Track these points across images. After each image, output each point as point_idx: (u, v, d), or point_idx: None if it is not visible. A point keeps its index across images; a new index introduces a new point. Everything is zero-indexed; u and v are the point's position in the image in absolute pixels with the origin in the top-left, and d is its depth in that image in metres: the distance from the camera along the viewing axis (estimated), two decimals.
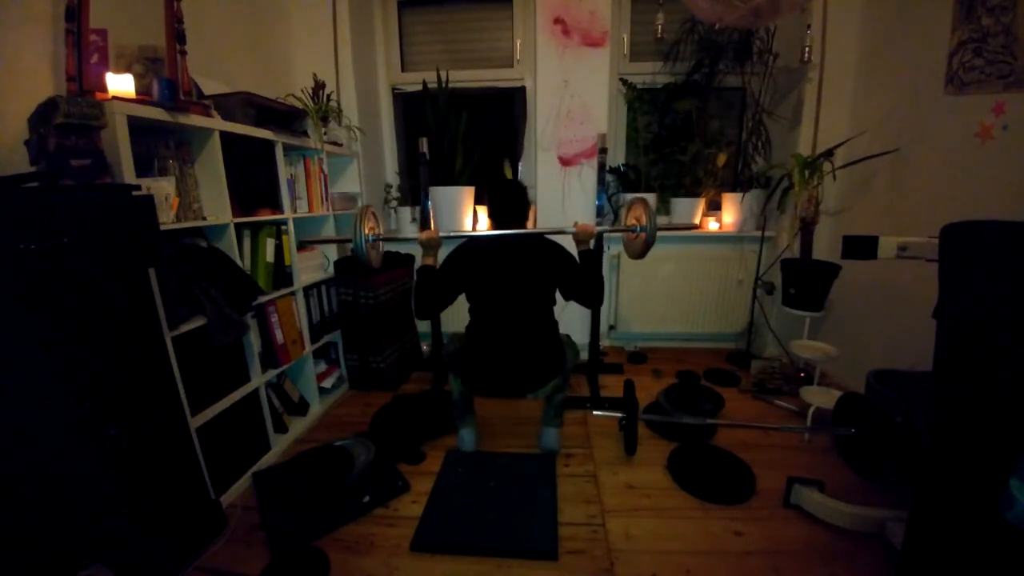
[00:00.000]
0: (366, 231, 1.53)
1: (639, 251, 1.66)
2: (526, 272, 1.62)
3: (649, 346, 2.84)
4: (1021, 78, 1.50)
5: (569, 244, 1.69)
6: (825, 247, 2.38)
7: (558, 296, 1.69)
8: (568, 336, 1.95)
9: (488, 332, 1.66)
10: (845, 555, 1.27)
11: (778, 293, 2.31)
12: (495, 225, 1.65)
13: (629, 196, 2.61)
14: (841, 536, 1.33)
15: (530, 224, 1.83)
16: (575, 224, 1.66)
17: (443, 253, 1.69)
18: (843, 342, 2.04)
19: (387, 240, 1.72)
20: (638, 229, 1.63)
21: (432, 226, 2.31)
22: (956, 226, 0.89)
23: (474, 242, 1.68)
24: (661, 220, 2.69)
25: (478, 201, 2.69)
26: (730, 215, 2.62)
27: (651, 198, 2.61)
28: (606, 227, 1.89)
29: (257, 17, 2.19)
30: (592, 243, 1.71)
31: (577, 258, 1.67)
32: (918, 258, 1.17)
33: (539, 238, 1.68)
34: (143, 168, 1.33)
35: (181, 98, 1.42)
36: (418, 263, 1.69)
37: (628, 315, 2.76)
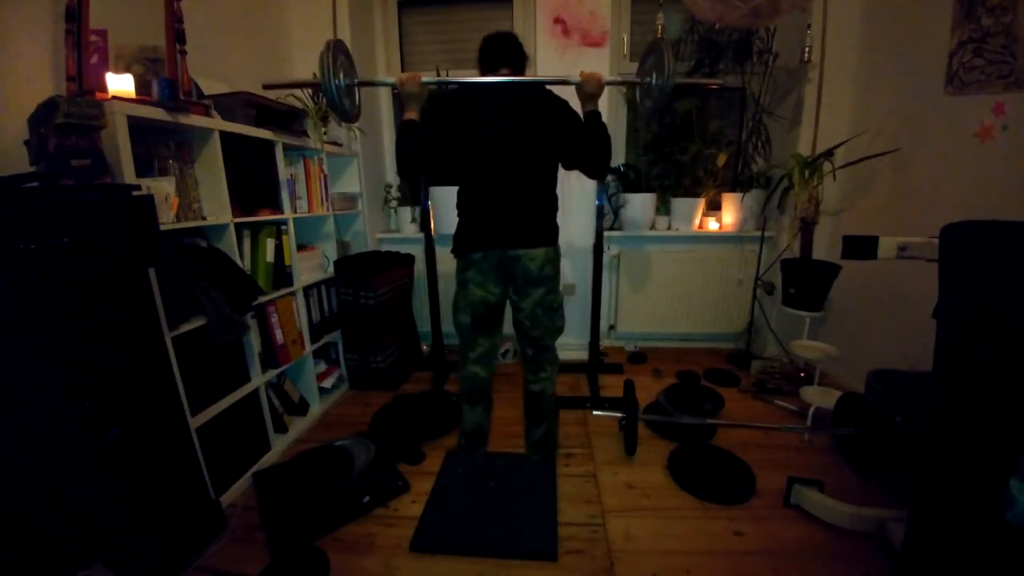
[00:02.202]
0: (336, 74, 1.29)
1: (653, 102, 1.44)
2: (527, 129, 1.41)
3: (649, 346, 2.84)
4: (1021, 78, 1.50)
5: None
6: (825, 247, 2.38)
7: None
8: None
9: (482, 195, 1.46)
10: (845, 555, 1.27)
11: (778, 293, 2.31)
12: (487, 73, 1.42)
13: (627, 195, 2.62)
14: (841, 536, 1.33)
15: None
16: (581, 73, 1.41)
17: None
18: (843, 342, 2.04)
19: (363, 85, 1.48)
20: (652, 82, 1.43)
21: (432, 230, 2.24)
22: (956, 226, 0.89)
23: (466, 90, 1.44)
24: (661, 221, 2.69)
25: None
26: (730, 215, 2.62)
27: (651, 198, 2.61)
28: (617, 78, 1.63)
29: (257, 17, 2.19)
30: (599, 104, 1.46)
31: (583, 117, 1.46)
32: (918, 258, 1.17)
33: (540, 88, 1.46)
34: (143, 168, 1.33)
35: (181, 98, 1.42)
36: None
37: (628, 315, 2.76)
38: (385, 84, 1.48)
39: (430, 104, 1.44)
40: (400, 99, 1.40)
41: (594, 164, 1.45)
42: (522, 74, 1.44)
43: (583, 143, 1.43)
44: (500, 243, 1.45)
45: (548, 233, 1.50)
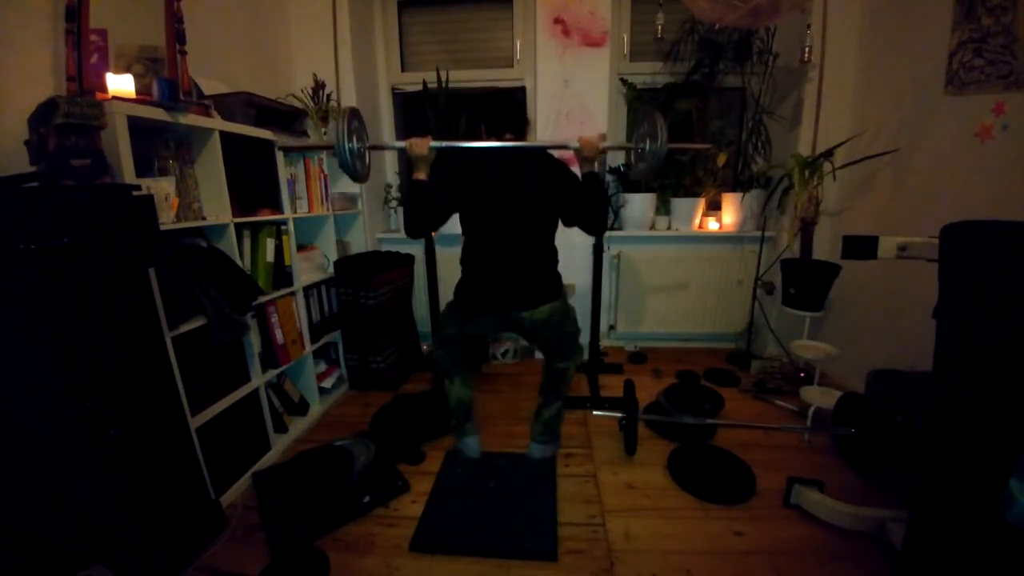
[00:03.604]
0: (350, 138, 1.37)
1: (647, 169, 1.51)
2: (527, 188, 1.48)
3: (649, 346, 2.84)
4: (1021, 78, 1.50)
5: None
6: (825, 247, 2.38)
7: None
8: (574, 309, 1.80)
9: (484, 253, 1.54)
10: (845, 555, 1.27)
11: (778, 293, 2.31)
12: (491, 137, 1.51)
13: (627, 195, 2.62)
14: (841, 536, 1.32)
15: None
16: (579, 138, 1.48)
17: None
18: (843, 342, 2.04)
19: (375, 149, 1.58)
20: (646, 148, 1.49)
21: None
22: (956, 226, 0.89)
23: (470, 155, 1.53)
24: (661, 221, 2.69)
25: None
26: (730, 215, 2.62)
27: (651, 198, 2.61)
28: (612, 144, 1.73)
29: (257, 17, 2.19)
30: (596, 165, 1.53)
31: (581, 178, 1.52)
32: (918, 258, 1.17)
33: (541, 153, 1.55)
34: (143, 168, 1.33)
35: (181, 98, 1.42)
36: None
37: (628, 315, 2.76)
38: (396, 148, 1.55)
39: (440, 162, 1.51)
40: (409, 160, 1.48)
41: (592, 221, 1.52)
42: (524, 138, 1.55)
43: (582, 202, 1.49)
44: (504, 306, 1.56)
45: (551, 289, 1.58)
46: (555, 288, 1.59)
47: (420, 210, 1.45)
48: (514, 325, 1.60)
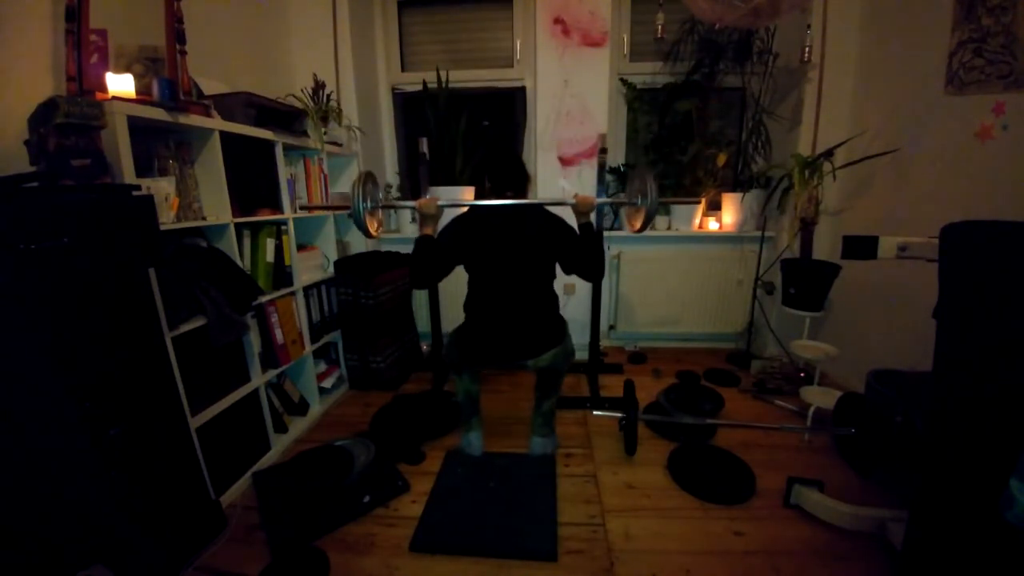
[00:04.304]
0: (365, 198, 1.49)
1: (641, 224, 1.60)
2: (526, 243, 1.60)
3: (649, 346, 2.84)
4: (1021, 78, 1.51)
5: (568, 220, 1.65)
6: (825, 247, 2.38)
7: (559, 292, 1.68)
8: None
9: (487, 302, 1.65)
10: (845, 555, 1.27)
11: (778, 293, 2.31)
12: (494, 195, 1.62)
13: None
14: (841, 536, 1.33)
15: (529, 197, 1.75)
16: (575, 196, 1.62)
17: (442, 224, 1.65)
18: (843, 342, 2.04)
19: (387, 207, 1.72)
20: (639, 202, 1.58)
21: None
22: (956, 226, 0.89)
23: (473, 212, 1.66)
24: (661, 221, 2.70)
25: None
26: (730, 215, 2.62)
27: None
28: (607, 199, 1.86)
29: (257, 17, 2.19)
30: (593, 216, 1.66)
31: (577, 230, 1.63)
32: (918, 258, 1.17)
33: (539, 209, 1.67)
34: (143, 168, 1.33)
35: (181, 98, 1.42)
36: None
37: (628, 315, 2.76)
38: (406, 207, 1.72)
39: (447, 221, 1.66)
40: (419, 218, 1.59)
41: (589, 269, 1.63)
42: (524, 195, 1.66)
43: (578, 252, 1.61)
44: (510, 358, 1.68)
45: (555, 335, 1.66)
46: (558, 334, 1.67)
47: (427, 263, 1.55)
48: (519, 366, 1.70)
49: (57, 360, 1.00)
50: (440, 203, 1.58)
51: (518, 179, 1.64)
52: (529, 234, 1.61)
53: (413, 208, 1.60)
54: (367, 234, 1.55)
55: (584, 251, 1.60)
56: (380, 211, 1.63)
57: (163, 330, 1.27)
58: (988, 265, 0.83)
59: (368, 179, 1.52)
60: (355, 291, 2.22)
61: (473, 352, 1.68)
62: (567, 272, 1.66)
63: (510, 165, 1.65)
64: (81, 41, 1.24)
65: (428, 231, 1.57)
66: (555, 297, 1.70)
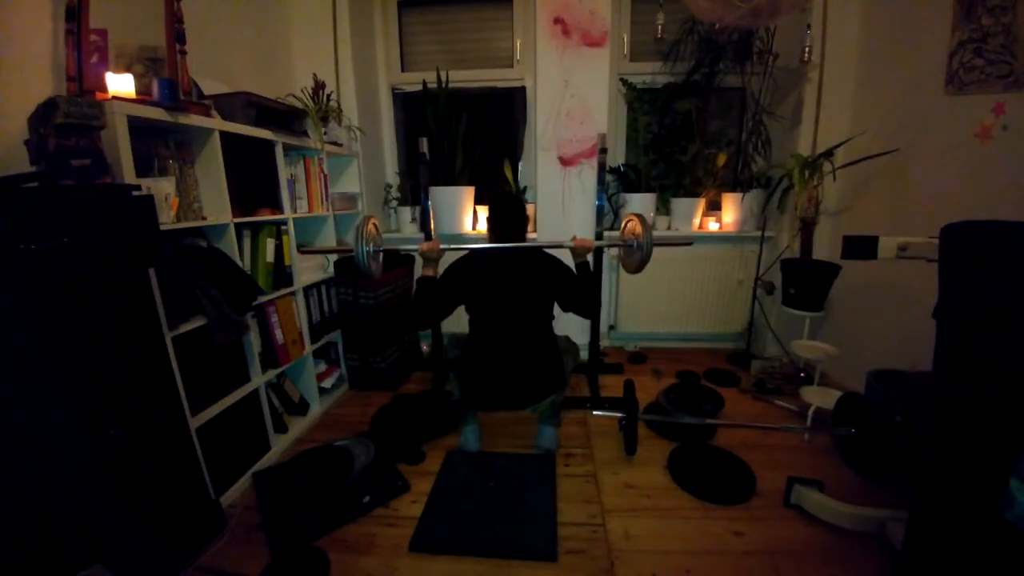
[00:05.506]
0: (367, 242, 1.54)
1: (635, 266, 1.67)
2: (525, 285, 1.67)
3: (649, 346, 2.84)
4: (1021, 78, 1.50)
5: (566, 258, 1.73)
6: (825, 247, 2.38)
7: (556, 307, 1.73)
8: (567, 337, 1.95)
9: (487, 346, 1.72)
10: (845, 555, 1.27)
11: (778, 293, 2.31)
12: (495, 238, 1.70)
13: (627, 195, 2.62)
14: (841, 536, 1.33)
15: (529, 233, 1.87)
16: (573, 238, 1.68)
17: (443, 264, 1.72)
18: (843, 342, 2.04)
19: (390, 250, 1.78)
20: (635, 245, 1.65)
21: (432, 230, 2.31)
22: (956, 226, 0.89)
23: (474, 255, 1.73)
24: (661, 221, 2.70)
25: (478, 201, 2.70)
26: (730, 215, 2.62)
27: (651, 198, 2.61)
28: (604, 242, 1.97)
29: (257, 17, 2.19)
30: (590, 257, 1.73)
31: (575, 270, 1.70)
32: (918, 258, 1.17)
33: (538, 252, 1.74)
34: (143, 168, 1.33)
35: (181, 98, 1.42)
36: (418, 272, 1.71)
37: (628, 315, 2.76)
38: (409, 251, 1.77)
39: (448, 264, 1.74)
40: (421, 260, 1.66)
41: (586, 307, 1.70)
42: (524, 238, 1.73)
43: (576, 291, 1.69)
44: (509, 407, 1.78)
45: (554, 382, 1.75)
46: (557, 379, 1.75)
47: (429, 304, 1.63)
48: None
49: (57, 360, 1.00)
50: (442, 247, 1.64)
51: (519, 224, 1.71)
52: (529, 278, 1.68)
53: (415, 251, 1.65)
54: (368, 274, 1.60)
55: (581, 291, 1.68)
56: (381, 255, 1.69)
57: (163, 330, 1.27)
58: (988, 265, 0.83)
59: (369, 224, 1.58)
60: (355, 291, 2.22)
61: (476, 401, 1.77)
62: (564, 310, 1.72)
63: (514, 211, 1.71)
64: (81, 41, 1.24)
65: (430, 272, 1.64)
66: (555, 339, 1.79)
